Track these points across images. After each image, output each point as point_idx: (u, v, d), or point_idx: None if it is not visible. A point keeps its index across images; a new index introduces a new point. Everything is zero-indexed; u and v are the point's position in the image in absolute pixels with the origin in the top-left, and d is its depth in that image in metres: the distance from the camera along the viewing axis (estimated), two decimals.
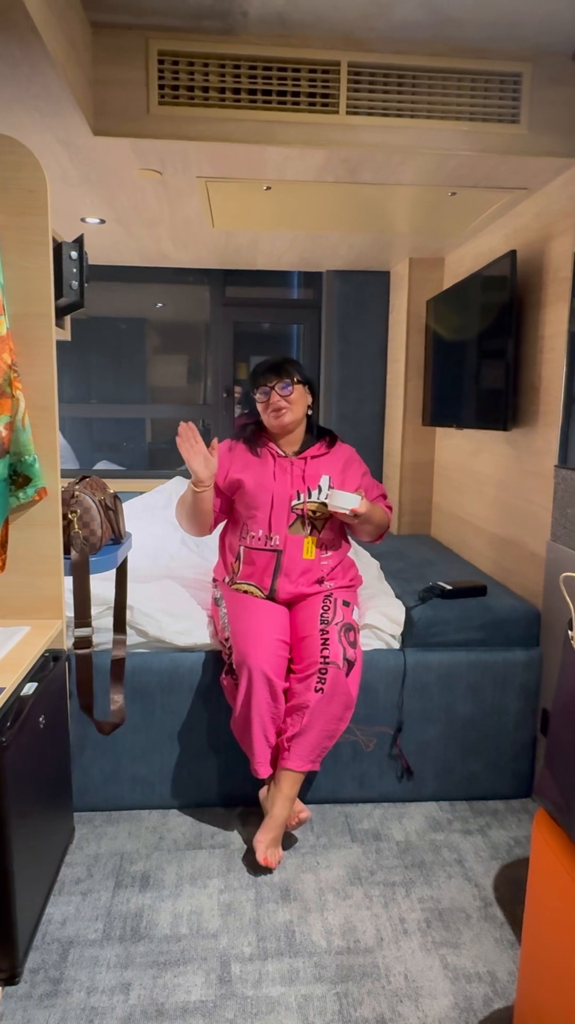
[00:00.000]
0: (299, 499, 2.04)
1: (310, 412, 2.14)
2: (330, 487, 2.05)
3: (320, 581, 2.06)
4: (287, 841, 1.93)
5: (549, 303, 2.19)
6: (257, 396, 2.07)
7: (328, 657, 1.84)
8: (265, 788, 1.90)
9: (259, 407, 2.09)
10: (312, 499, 2.04)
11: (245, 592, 2.06)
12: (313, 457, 2.10)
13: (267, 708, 1.81)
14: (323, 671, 1.83)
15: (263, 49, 1.85)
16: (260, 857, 1.76)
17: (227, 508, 2.15)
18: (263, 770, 1.84)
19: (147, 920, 1.66)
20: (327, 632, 1.89)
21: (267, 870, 1.82)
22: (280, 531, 2.03)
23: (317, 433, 2.17)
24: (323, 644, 1.86)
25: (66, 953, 1.56)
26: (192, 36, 1.84)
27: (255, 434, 2.13)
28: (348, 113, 1.91)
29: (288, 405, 2.04)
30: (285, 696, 1.86)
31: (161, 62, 1.84)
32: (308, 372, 2.12)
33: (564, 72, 1.95)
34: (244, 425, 2.20)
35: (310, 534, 2.05)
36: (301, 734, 1.82)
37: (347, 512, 1.93)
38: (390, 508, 2.20)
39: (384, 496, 2.20)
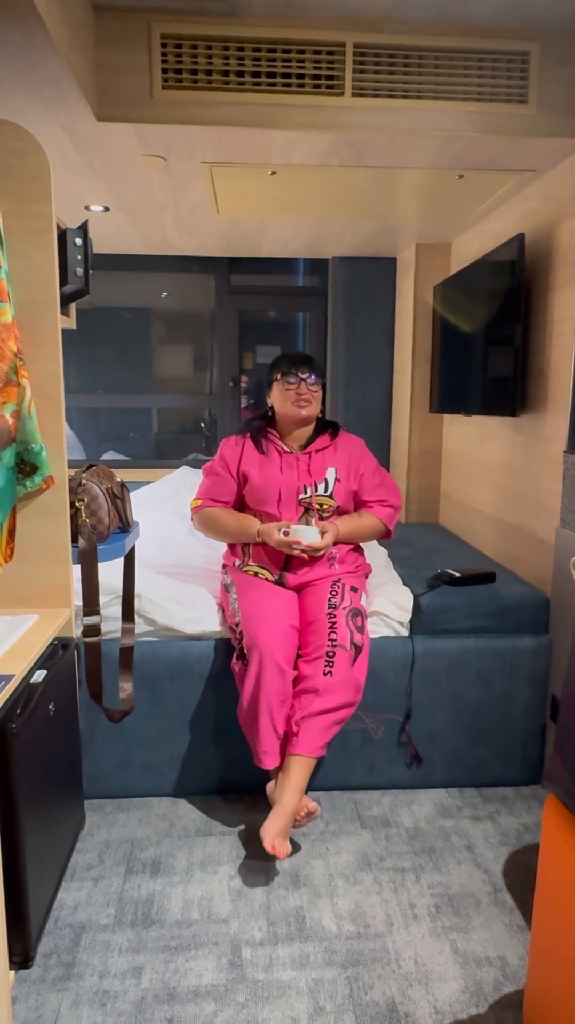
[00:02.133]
0: (306, 493, 2.06)
1: (320, 414, 2.18)
2: (297, 523, 2.03)
3: (331, 561, 2.07)
4: (293, 835, 1.93)
5: (558, 287, 2.17)
6: (286, 381, 2.08)
7: (336, 640, 1.84)
8: (272, 783, 1.87)
9: (281, 393, 2.09)
10: (319, 492, 2.05)
11: (255, 574, 2.07)
12: (317, 451, 2.12)
13: (276, 693, 1.81)
14: (331, 654, 1.83)
15: (267, 31, 1.83)
16: (268, 846, 1.73)
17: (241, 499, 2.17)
18: (269, 760, 1.83)
19: (158, 905, 1.67)
20: (335, 616, 1.89)
21: (274, 856, 1.81)
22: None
23: (321, 426, 2.19)
24: (331, 628, 1.87)
25: (78, 938, 1.57)
26: (195, 19, 1.81)
27: (261, 429, 2.15)
28: (354, 95, 1.88)
29: (312, 400, 2.08)
30: (293, 682, 1.86)
31: (164, 45, 1.82)
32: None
33: (573, 51, 1.91)
34: (249, 420, 2.22)
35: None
36: (309, 718, 1.81)
37: (305, 545, 1.94)
38: (395, 508, 2.17)
39: (383, 501, 2.15)
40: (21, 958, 1.45)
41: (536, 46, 1.89)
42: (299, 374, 2.07)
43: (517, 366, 2.29)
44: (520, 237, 2.22)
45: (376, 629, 2.09)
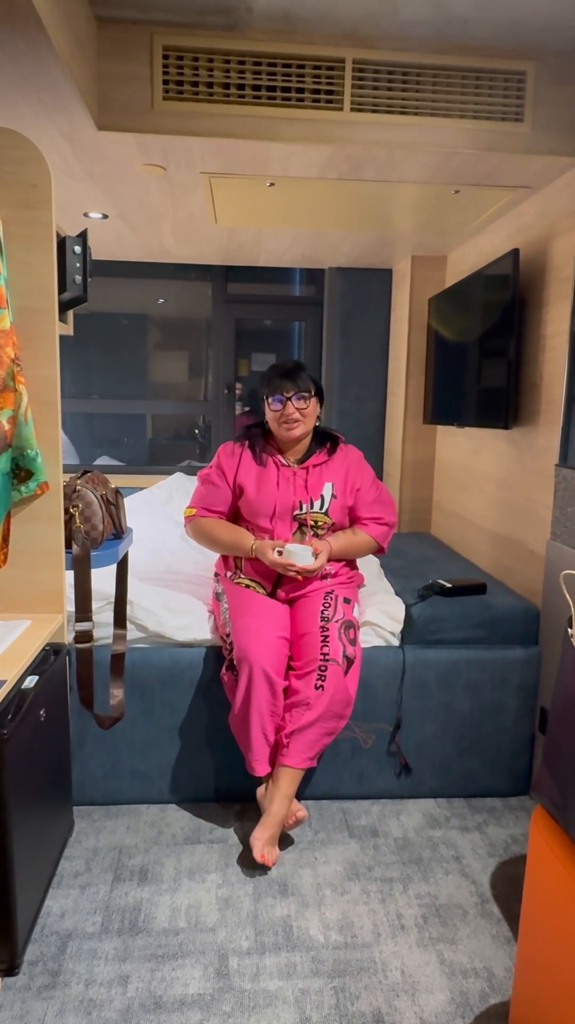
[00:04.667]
0: (301, 509, 2.04)
1: (318, 422, 2.12)
2: (291, 539, 2.04)
3: (323, 576, 2.07)
4: (284, 839, 1.94)
5: (551, 302, 2.20)
6: (270, 403, 2.03)
7: (328, 654, 1.85)
8: (263, 787, 1.90)
9: (270, 414, 2.05)
10: (315, 509, 2.05)
11: (247, 587, 2.06)
12: (315, 466, 2.09)
13: (267, 705, 1.81)
14: (323, 668, 1.83)
15: (268, 45, 1.85)
16: (257, 855, 1.76)
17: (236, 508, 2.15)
18: (260, 767, 1.84)
19: (145, 914, 1.67)
20: (327, 629, 1.89)
21: (264, 867, 1.82)
22: (283, 539, 2.03)
23: (319, 438, 2.15)
24: (323, 641, 1.87)
25: (64, 945, 1.56)
26: (197, 32, 1.84)
27: (259, 440, 2.12)
28: (352, 110, 1.91)
29: (302, 418, 2.02)
30: (284, 693, 1.86)
31: (166, 57, 1.84)
32: (318, 379, 2.10)
33: (568, 71, 1.95)
34: (248, 427, 2.18)
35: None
36: (300, 731, 1.82)
37: (299, 567, 1.94)
38: (390, 526, 2.14)
39: (378, 519, 2.12)
40: (7, 965, 1.45)
41: (532, 66, 1.92)
42: (284, 394, 2.00)
43: (510, 379, 2.31)
44: (515, 252, 2.24)
45: (367, 639, 2.10)
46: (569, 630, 1.20)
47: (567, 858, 1.14)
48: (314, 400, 2.05)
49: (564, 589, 1.27)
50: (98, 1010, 1.40)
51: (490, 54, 1.91)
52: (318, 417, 2.11)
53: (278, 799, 1.81)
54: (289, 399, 2.00)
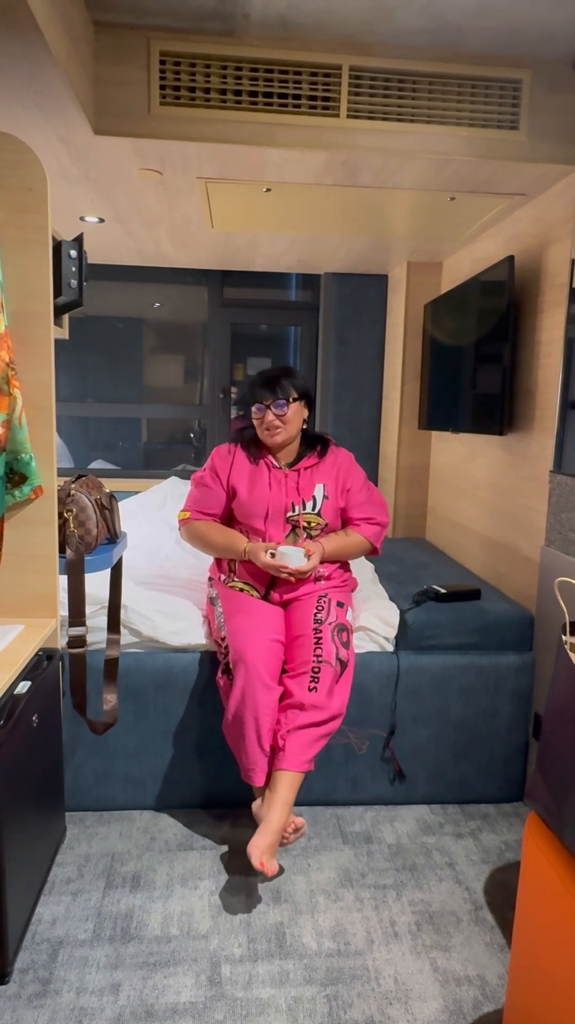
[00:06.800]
0: (294, 511, 2.05)
1: (305, 425, 2.13)
2: (284, 541, 2.05)
3: (317, 576, 2.07)
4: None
5: (546, 309, 2.20)
6: (252, 411, 2.06)
7: (321, 656, 1.84)
8: (258, 801, 1.82)
9: (254, 421, 2.08)
10: (307, 510, 2.05)
11: (241, 590, 2.06)
12: (306, 468, 2.10)
13: (262, 708, 1.80)
14: (316, 670, 1.83)
15: (265, 51, 1.86)
16: (256, 863, 1.67)
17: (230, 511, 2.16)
18: (257, 776, 1.79)
19: (137, 921, 1.65)
20: (320, 632, 1.89)
21: (259, 873, 1.80)
22: (277, 541, 2.04)
23: (308, 441, 2.16)
24: (316, 643, 1.87)
25: (56, 953, 1.55)
26: (194, 37, 1.84)
27: (253, 440, 2.14)
28: (349, 116, 1.91)
29: (282, 425, 2.04)
30: (279, 698, 1.85)
31: (163, 63, 1.85)
32: (306, 383, 2.10)
33: (564, 80, 1.96)
34: (242, 429, 2.20)
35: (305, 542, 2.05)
36: (294, 732, 1.81)
37: (292, 569, 1.94)
38: (382, 525, 2.15)
39: (370, 519, 2.13)
40: None
41: (528, 74, 1.93)
42: (262, 402, 2.02)
43: (505, 385, 2.32)
44: (510, 259, 2.25)
45: (362, 644, 2.10)
46: (563, 636, 1.20)
47: (560, 865, 1.14)
48: (296, 405, 2.05)
49: (558, 595, 1.28)
50: (89, 1018, 1.39)
51: (486, 62, 1.91)
52: (305, 421, 2.12)
53: (276, 806, 1.73)
54: (268, 407, 2.02)
